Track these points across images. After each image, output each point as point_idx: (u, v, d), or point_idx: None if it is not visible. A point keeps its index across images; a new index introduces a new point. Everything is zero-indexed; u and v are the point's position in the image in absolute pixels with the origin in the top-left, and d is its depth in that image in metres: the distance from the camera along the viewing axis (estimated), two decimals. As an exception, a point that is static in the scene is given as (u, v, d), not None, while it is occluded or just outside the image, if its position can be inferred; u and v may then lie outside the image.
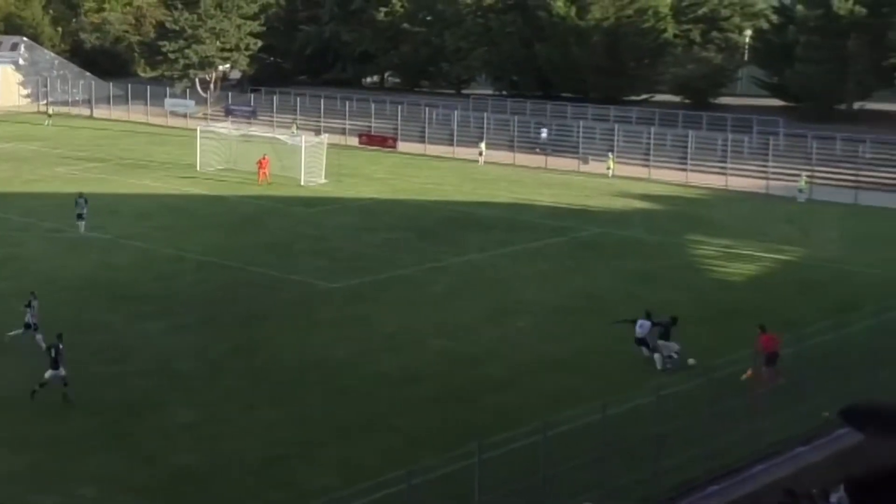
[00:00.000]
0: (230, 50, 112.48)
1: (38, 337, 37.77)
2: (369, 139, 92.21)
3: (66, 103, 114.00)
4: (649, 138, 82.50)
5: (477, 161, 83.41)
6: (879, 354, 35.72)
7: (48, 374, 33.86)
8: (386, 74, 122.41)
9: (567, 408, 31.29)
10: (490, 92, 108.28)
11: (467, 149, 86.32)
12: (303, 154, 72.66)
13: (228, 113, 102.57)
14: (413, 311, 43.99)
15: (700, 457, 29.71)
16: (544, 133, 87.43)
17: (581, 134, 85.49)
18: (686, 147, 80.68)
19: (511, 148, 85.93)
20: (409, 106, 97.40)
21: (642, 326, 38.14)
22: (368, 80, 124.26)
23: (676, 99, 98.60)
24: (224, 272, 49.74)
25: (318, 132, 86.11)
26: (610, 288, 47.89)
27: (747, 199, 70.68)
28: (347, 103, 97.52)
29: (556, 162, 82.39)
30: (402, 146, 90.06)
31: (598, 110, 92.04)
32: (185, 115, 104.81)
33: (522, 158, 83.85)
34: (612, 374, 36.60)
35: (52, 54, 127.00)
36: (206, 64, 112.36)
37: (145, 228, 58.52)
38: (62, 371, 33.97)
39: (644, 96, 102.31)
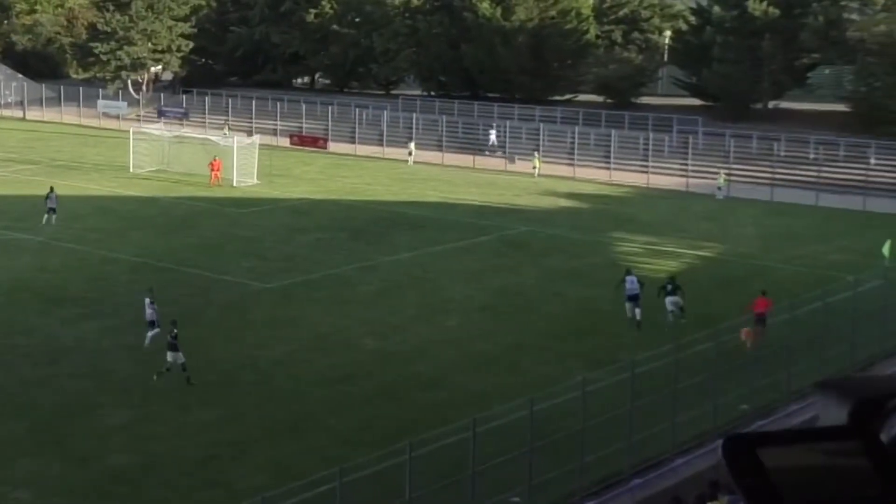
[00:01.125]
0: (162, 51, 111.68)
1: (151, 333, 38.00)
2: (300, 140, 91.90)
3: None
4: (574, 138, 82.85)
5: (406, 161, 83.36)
6: (794, 348, 36.19)
7: (169, 357, 34.82)
8: (316, 76, 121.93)
9: (496, 404, 31.44)
10: (418, 93, 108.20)
11: (397, 149, 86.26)
12: (235, 155, 72.27)
13: (161, 114, 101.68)
14: (345, 310, 43.94)
15: (624, 451, 29.97)
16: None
17: (507, 134, 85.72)
18: (609, 146, 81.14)
19: (440, 148, 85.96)
20: (340, 107, 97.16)
21: (632, 283, 41.50)
22: (299, 81, 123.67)
23: (599, 99, 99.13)
24: (157, 273, 49.33)
25: (249, 133, 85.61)
26: (537, 286, 48.08)
27: (668, 197, 71.23)
28: (278, 104, 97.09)
29: (484, 161, 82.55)
30: (333, 147, 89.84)
31: (523, 110, 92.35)
32: (117, 117, 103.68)
33: (451, 158, 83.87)
34: (539, 370, 36.76)
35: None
36: (138, 65, 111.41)
37: (78, 230, 57.91)
38: (181, 356, 34.82)
39: (568, 96, 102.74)
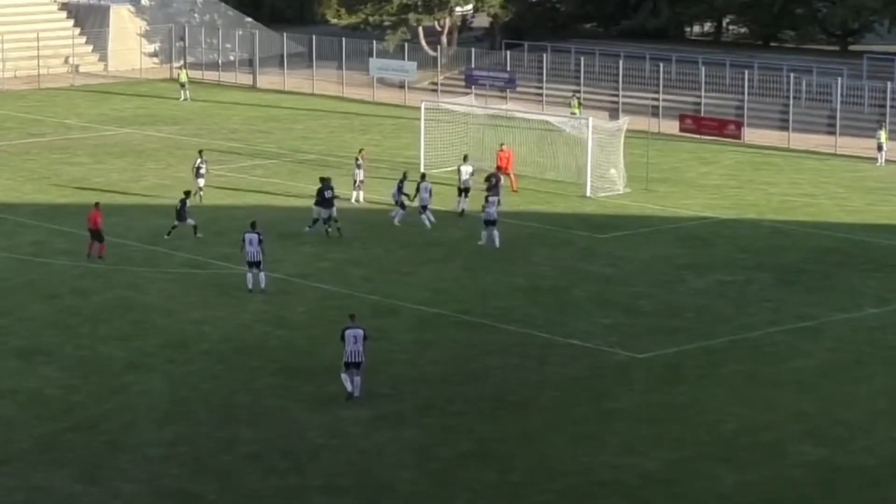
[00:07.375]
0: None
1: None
2: (697, 123, 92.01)
3: (213, 66, 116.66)
4: None
5: (875, 160, 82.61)
6: None
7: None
8: (724, 21, 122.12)
9: None
10: (895, 49, 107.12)
11: (858, 140, 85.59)
12: (589, 147, 72.73)
13: (471, 81, 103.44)
14: (768, 397, 43.77)
15: None
16: None
17: None
18: None
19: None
20: (763, 71, 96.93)
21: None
22: (695, 30, 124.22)
23: None
24: (473, 333, 50.18)
25: (614, 112, 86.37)
26: None
27: None
28: (661, 66, 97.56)
29: None
30: (751, 135, 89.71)
31: None
32: (401, 85, 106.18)
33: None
34: None
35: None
36: (434, 5, 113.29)
37: (336, 263, 59.52)
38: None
39: None
